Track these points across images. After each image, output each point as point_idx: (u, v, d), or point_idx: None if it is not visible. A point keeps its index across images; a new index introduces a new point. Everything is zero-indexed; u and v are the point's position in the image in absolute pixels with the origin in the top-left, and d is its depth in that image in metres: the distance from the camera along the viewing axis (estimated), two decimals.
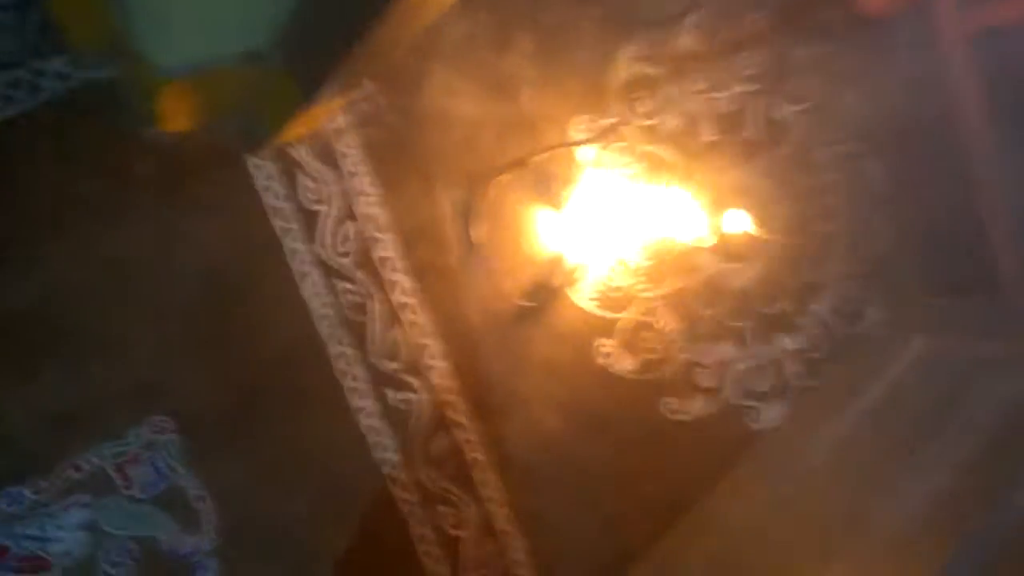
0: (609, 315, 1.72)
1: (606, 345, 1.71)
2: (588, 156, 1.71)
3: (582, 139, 1.70)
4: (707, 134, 1.81)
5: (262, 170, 1.45)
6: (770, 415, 1.87)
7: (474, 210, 1.60)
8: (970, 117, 1.80)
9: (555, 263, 1.65)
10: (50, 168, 1.31)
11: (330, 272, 1.50)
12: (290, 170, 1.47)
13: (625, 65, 1.73)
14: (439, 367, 1.58)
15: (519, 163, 1.64)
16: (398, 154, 1.55)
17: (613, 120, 1.73)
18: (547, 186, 1.66)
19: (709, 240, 1.76)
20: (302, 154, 1.48)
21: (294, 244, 1.48)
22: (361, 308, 1.52)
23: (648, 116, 1.76)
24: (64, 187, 1.32)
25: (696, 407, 1.80)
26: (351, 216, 1.52)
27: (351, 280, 1.51)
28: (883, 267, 1.98)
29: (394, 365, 1.54)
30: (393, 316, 1.54)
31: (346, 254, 1.51)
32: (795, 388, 1.90)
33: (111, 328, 1.33)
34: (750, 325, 1.86)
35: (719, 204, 1.78)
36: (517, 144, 1.65)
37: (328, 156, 1.50)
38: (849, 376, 1.88)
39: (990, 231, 1.81)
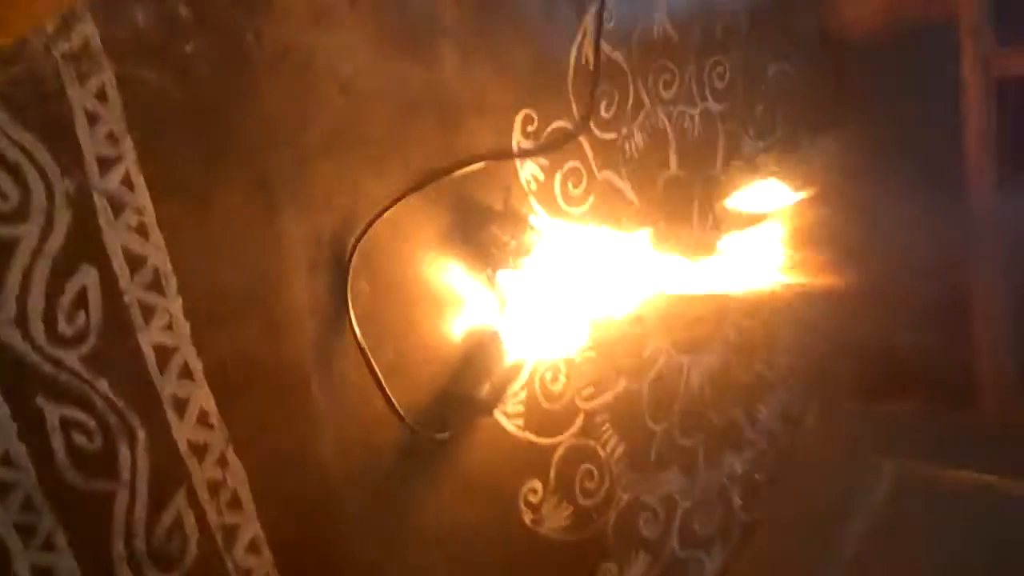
0: (543, 440, 1.05)
1: (536, 491, 1.04)
2: (531, 177, 1.03)
3: (528, 149, 1.02)
4: (674, 164, 1.24)
5: None
6: (716, 565, 1.34)
7: (350, 261, 0.84)
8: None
9: (484, 357, 0.95)
10: None
11: (30, 382, 0.65)
12: None
13: (590, 42, 1.08)
14: (261, 567, 0.79)
15: (431, 178, 0.91)
16: (205, 134, 0.74)
17: (569, 124, 1.07)
18: (475, 226, 0.95)
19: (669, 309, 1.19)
20: None
21: None
22: (101, 462, 0.69)
23: (610, 126, 1.13)
24: None
25: (637, 571, 1.20)
26: (89, 256, 0.68)
27: (80, 401, 0.67)
28: (827, 364, 1.56)
29: None
30: (174, 474, 0.73)
31: (74, 341, 0.67)
32: (741, 525, 1.39)
33: None
34: (702, 442, 1.31)
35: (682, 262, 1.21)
36: (430, 144, 0.92)
37: (45, 113, 0.65)
38: (810, 509, 1.42)
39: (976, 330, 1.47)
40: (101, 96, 0.67)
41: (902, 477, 1.41)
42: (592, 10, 1.09)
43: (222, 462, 0.75)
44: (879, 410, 1.57)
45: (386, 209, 0.86)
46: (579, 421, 1.10)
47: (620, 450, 1.16)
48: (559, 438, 1.07)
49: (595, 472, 1.12)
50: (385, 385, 0.85)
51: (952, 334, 1.54)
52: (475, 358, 0.95)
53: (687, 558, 1.28)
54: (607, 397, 1.14)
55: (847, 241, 1.50)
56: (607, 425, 1.14)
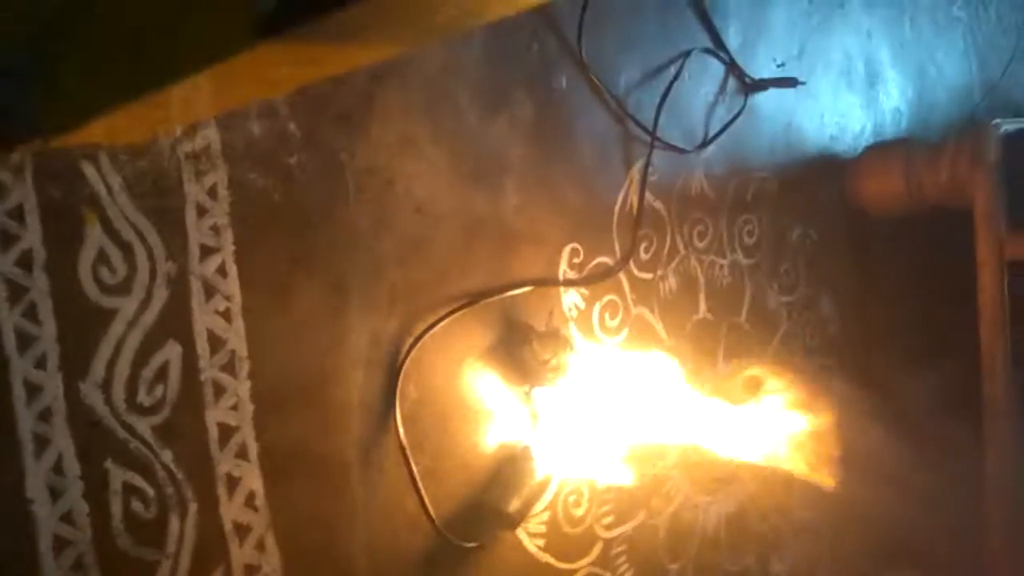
0: (561, 565, 1.06)
1: None
2: (573, 304, 1.10)
3: (572, 279, 1.10)
4: (703, 309, 1.30)
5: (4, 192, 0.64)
6: None
7: (403, 364, 0.89)
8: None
9: (514, 472, 0.98)
10: None
11: (103, 445, 0.69)
12: (68, 209, 0.68)
13: (636, 190, 1.18)
14: None
15: (483, 296, 0.98)
16: (295, 235, 0.82)
17: (610, 261, 1.15)
18: (517, 343, 1.01)
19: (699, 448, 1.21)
20: (107, 181, 0.70)
21: (37, 374, 0.65)
22: (153, 531, 0.71)
23: (649, 267, 1.21)
24: None
25: None
26: (177, 333, 0.73)
27: (144, 469, 0.71)
28: (840, 528, 1.56)
29: None
30: (215, 552, 0.75)
31: (150, 410, 0.71)
32: None
33: None
34: None
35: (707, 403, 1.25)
36: (487, 265, 1.00)
37: (162, 203, 0.73)
38: None
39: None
40: (212, 193, 0.76)
41: None
42: (639, 163, 1.19)
43: (260, 547, 0.77)
44: None
45: (441, 320, 0.93)
46: (597, 550, 1.11)
47: None
48: (577, 564, 1.08)
49: None
50: (421, 487, 0.88)
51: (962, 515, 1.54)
52: (506, 471, 0.98)
53: None
54: (626, 528, 1.15)
55: (862, 417, 1.54)
56: (624, 558, 1.14)
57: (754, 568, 1.38)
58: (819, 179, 1.56)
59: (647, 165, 1.19)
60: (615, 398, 1.09)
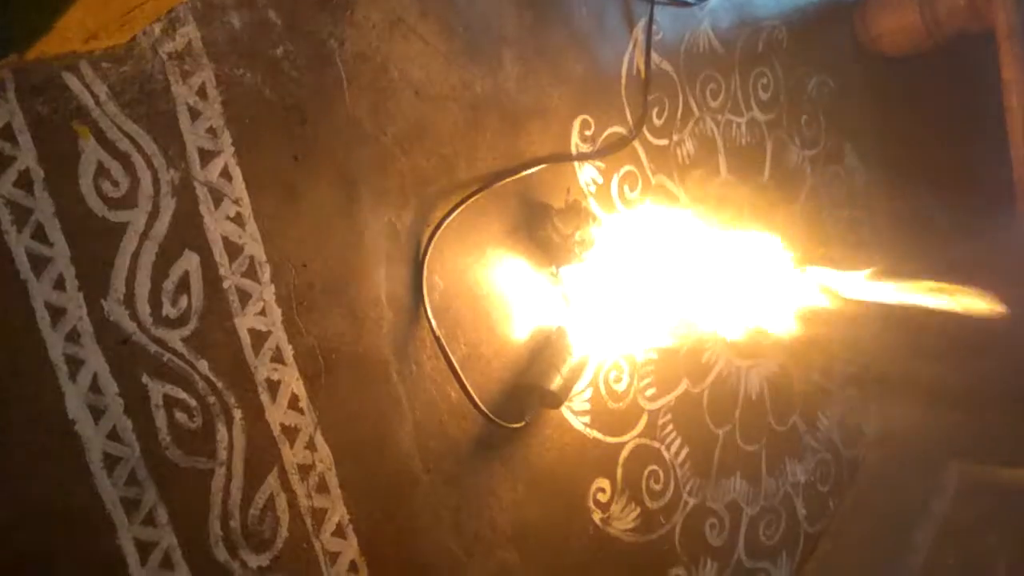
0: (609, 439, 1.06)
1: (604, 490, 1.05)
2: (590, 179, 1.06)
3: (586, 152, 1.06)
4: (724, 171, 1.26)
5: None
6: None
7: (425, 255, 0.87)
8: None
9: (552, 352, 0.97)
10: None
11: (136, 361, 0.68)
12: (59, 124, 0.65)
13: (641, 52, 1.13)
14: (347, 552, 0.80)
15: (497, 179, 0.95)
16: (294, 131, 0.78)
17: (623, 130, 1.10)
18: (538, 223, 0.98)
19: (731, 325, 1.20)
20: (93, 90, 0.67)
21: (57, 296, 0.64)
22: (201, 440, 0.71)
23: (664, 133, 1.16)
24: None
25: None
26: (191, 243, 0.72)
27: (182, 380, 0.70)
28: (882, 374, 1.55)
29: (262, 560, 0.74)
30: (267, 456, 0.75)
31: (177, 322, 0.70)
32: (807, 536, 1.37)
33: None
34: (764, 448, 1.30)
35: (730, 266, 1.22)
36: (495, 145, 0.96)
37: (152, 108, 0.70)
38: (876, 519, 1.40)
39: None
40: (202, 93, 0.72)
41: (965, 481, 1.38)
42: (641, 22, 1.13)
43: (311, 446, 0.77)
44: (936, 417, 1.54)
45: (458, 206, 0.90)
46: (643, 422, 1.11)
47: (684, 453, 1.16)
48: (624, 437, 1.08)
49: (661, 474, 1.12)
50: (461, 375, 0.87)
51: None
52: (543, 352, 0.97)
53: (754, 568, 1.26)
54: (669, 399, 1.15)
55: (894, 254, 1.51)
56: (670, 427, 1.14)
57: (801, 426, 1.38)
58: (831, 23, 1.49)
59: (650, 23, 1.13)
60: (645, 267, 1.07)
